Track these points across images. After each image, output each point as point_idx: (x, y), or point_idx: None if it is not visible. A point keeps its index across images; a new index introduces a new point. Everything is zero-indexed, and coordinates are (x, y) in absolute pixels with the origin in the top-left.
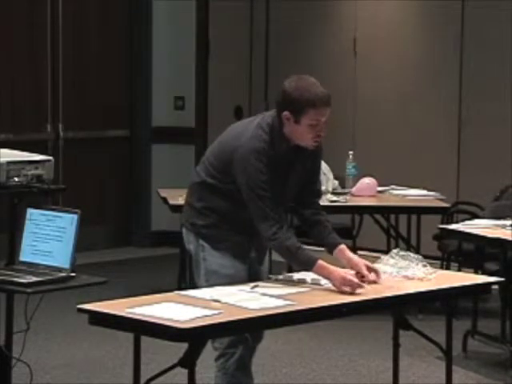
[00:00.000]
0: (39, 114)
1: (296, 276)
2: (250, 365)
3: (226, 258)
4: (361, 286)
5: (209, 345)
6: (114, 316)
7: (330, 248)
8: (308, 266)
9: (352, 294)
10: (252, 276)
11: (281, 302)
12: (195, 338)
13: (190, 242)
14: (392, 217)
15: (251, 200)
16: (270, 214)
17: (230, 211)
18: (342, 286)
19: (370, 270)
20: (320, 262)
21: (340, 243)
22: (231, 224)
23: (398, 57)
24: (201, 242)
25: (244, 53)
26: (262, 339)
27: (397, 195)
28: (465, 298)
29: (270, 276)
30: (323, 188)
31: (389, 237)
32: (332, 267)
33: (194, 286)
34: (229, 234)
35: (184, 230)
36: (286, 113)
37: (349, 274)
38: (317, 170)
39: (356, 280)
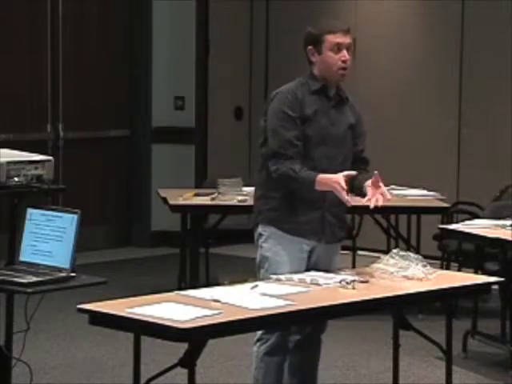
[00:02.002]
0: (39, 114)
1: (296, 276)
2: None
3: (280, 245)
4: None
5: (209, 345)
6: (114, 316)
7: (360, 183)
8: (311, 183)
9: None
10: (313, 265)
11: (281, 302)
12: (195, 337)
13: (255, 239)
14: (392, 217)
15: (269, 137)
16: (281, 152)
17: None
18: (339, 194)
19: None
20: (319, 175)
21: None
22: (295, 200)
23: (397, 57)
24: (260, 230)
25: (244, 53)
26: (325, 329)
27: (397, 195)
28: (465, 298)
29: (271, 276)
30: None
31: (389, 237)
32: (327, 177)
33: (194, 286)
34: (293, 213)
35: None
36: (309, 47)
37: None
38: (361, 133)
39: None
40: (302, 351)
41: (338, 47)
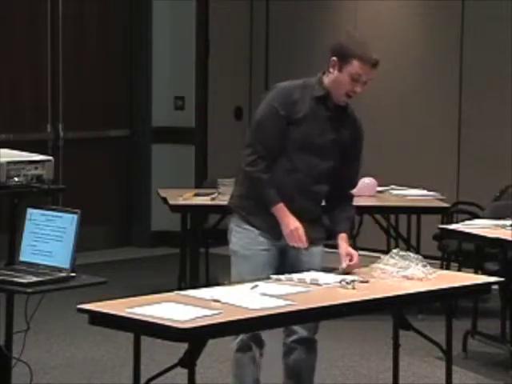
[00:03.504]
0: (39, 113)
1: (296, 276)
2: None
3: (247, 239)
4: (302, 243)
5: (209, 345)
6: (114, 316)
7: (334, 234)
8: (270, 203)
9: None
10: (288, 261)
11: (281, 302)
12: (195, 337)
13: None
14: (392, 217)
15: (253, 125)
16: (257, 147)
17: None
18: (287, 236)
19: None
20: (281, 204)
21: (341, 232)
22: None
23: (398, 57)
24: (231, 225)
25: (244, 53)
26: (317, 330)
27: (397, 195)
28: (465, 298)
29: (271, 276)
30: None
31: (389, 237)
32: (288, 214)
33: (194, 286)
34: (263, 211)
35: None
36: (333, 58)
37: (298, 228)
38: (356, 154)
39: (300, 236)
40: (295, 353)
41: (358, 77)
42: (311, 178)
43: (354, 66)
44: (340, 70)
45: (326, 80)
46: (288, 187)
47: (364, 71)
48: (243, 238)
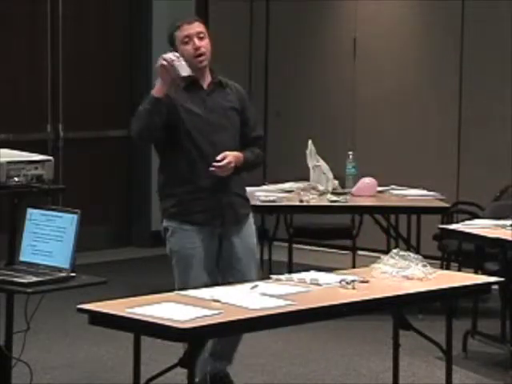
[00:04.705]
0: (39, 114)
1: (296, 276)
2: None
3: (186, 239)
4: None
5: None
6: (114, 316)
7: None
8: (151, 98)
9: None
10: (229, 246)
11: (281, 302)
12: (195, 337)
13: (162, 234)
14: (392, 217)
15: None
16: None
17: (182, 169)
18: (161, 69)
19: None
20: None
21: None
22: (194, 191)
23: (397, 57)
24: (165, 224)
25: (244, 53)
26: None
27: (397, 195)
28: (465, 297)
29: (271, 276)
30: (322, 188)
31: (389, 237)
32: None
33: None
34: (192, 204)
35: None
36: (171, 49)
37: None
38: (249, 116)
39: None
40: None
41: (187, 39)
42: (221, 152)
43: (178, 35)
44: (176, 49)
45: None
46: (203, 172)
47: (187, 31)
48: (183, 238)
